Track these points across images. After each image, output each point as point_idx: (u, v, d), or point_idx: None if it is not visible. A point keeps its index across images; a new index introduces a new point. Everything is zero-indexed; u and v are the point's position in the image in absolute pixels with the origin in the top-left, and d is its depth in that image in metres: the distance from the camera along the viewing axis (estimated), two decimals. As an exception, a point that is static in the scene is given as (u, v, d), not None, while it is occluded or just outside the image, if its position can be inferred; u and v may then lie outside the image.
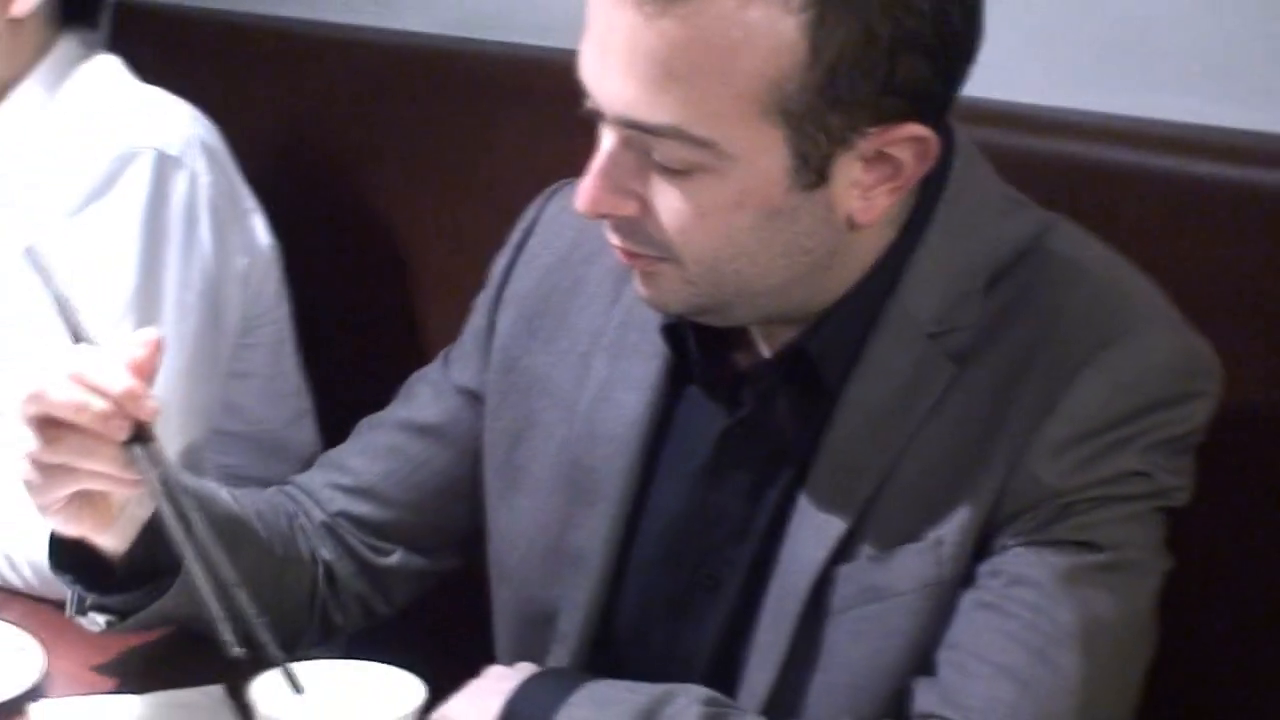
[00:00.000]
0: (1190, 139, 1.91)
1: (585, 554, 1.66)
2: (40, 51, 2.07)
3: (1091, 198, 1.86)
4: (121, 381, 1.45)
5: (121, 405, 1.45)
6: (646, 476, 1.64)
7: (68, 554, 1.61)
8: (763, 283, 1.49)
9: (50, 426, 1.46)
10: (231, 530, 1.66)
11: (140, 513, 1.58)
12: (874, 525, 1.51)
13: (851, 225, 1.48)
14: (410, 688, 1.55)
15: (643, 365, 1.64)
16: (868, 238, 1.52)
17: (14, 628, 1.76)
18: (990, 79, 1.56)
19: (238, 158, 2.16)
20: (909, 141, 1.44)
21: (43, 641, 1.74)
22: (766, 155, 1.41)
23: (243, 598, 1.44)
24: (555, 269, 1.74)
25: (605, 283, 1.70)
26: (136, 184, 1.98)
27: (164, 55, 2.41)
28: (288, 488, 1.84)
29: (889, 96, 1.41)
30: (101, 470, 1.48)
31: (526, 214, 1.80)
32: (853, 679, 1.52)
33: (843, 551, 1.52)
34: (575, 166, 1.51)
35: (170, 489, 1.48)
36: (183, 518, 1.47)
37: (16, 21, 2.02)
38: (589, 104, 1.46)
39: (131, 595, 1.62)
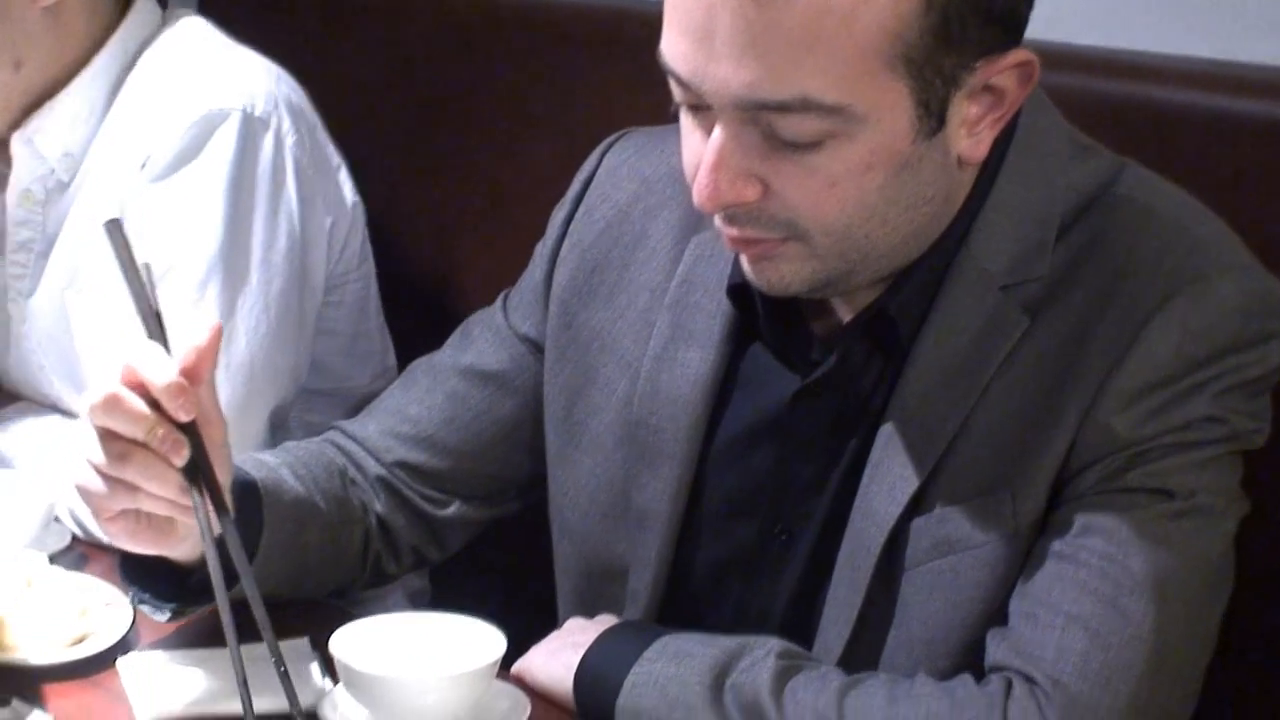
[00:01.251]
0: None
1: (651, 513, 1.66)
2: (101, 33, 2.05)
3: (1175, 144, 1.84)
4: (167, 376, 1.43)
5: (163, 402, 1.44)
6: (710, 435, 1.64)
7: (136, 559, 1.61)
8: (887, 242, 1.49)
9: (117, 441, 1.45)
10: (296, 514, 1.68)
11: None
12: (947, 479, 1.51)
13: (961, 165, 1.48)
14: (490, 639, 1.57)
15: (706, 323, 1.64)
16: (962, 184, 1.52)
17: (102, 582, 1.79)
18: (1071, 23, 1.55)
19: (327, 113, 2.16)
20: (1013, 69, 1.44)
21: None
22: (893, 110, 1.41)
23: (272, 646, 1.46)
24: (615, 223, 1.74)
25: (668, 239, 1.69)
26: (222, 146, 1.99)
27: (258, 13, 2.42)
28: (337, 437, 1.82)
29: (991, 27, 1.41)
30: (160, 494, 1.47)
31: (585, 166, 1.80)
32: (927, 632, 1.52)
33: (916, 506, 1.52)
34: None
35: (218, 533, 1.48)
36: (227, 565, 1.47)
37: (51, 10, 2.00)
38: (683, 99, 1.45)
39: (202, 600, 1.63)
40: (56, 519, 1.96)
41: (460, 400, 1.78)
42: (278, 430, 2.03)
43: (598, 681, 1.55)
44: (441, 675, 1.53)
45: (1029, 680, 1.42)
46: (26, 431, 2.08)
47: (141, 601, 1.67)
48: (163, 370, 1.44)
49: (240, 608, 1.47)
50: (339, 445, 1.82)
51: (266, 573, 1.57)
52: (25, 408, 2.13)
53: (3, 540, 1.84)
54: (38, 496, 1.92)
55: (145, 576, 1.63)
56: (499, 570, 2.10)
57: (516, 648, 1.62)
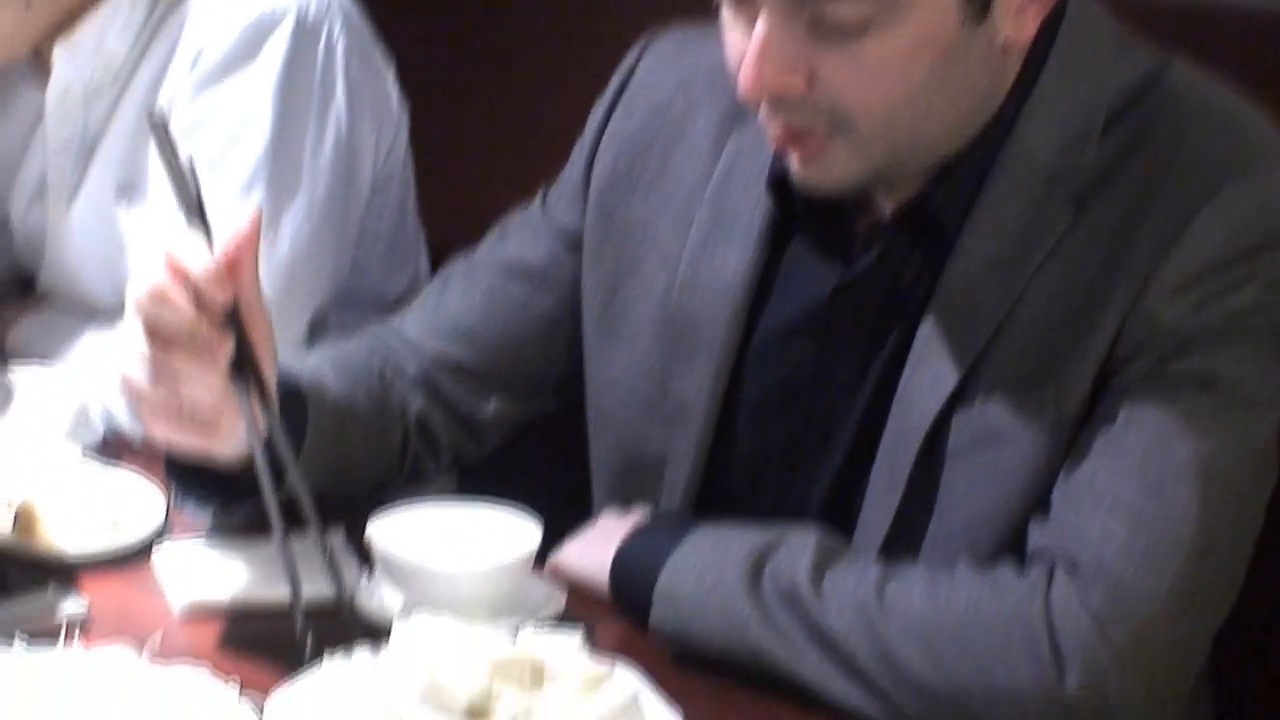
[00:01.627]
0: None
1: (688, 406, 1.65)
2: None
3: (1217, 43, 1.82)
4: (207, 264, 1.42)
5: (202, 289, 1.42)
6: (751, 328, 1.63)
7: (181, 463, 1.61)
8: (932, 132, 1.49)
9: (161, 334, 1.43)
10: (338, 416, 1.67)
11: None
12: (989, 370, 1.50)
13: (1006, 52, 1.47)
14: (526, 530, 1.57)
15: (746, 217, 1.63)
16: (1007, 73, 1.50)
17: (138, 474, 1.79)
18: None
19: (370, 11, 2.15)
20: None
21: (166, 489, 1.77)
22: None
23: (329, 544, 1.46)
24: (655, 118, 1.72)
25: (708, 134, 1.68)
26: (275, 49, 1.97)
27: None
28: (375, 336, 1.81)
29: None
30: (205, 387, 1.45)
31: (624, 63, 1.78)
32: (969, 522, 1.51)
33: (958, 398, 1.51)
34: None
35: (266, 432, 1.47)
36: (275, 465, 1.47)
37: None
38: None
39: (245, 502, 1.62)
40: (91, 412, 1.96)
41: (499, 295, 1.77)
42: (316, 333, 2.02)
43: (634, 572, 1.55)
44: (479, 566, 1.53)
45: (1072, 564, 1.41)
46: (59, 329, 2.07)
47: (184, 502, 1.67)
48: (202, 259, 1.43)
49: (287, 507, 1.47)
50: (377, 344, 1.81)
51: (309, 472, 1.56)
52: (60, 307, 2.12)
53: (36, 433, 1.84)
54: (70, 392, 1.92)
55: (189, 478, 1.62)
56: (531, 467, 2.09)
57: (550, 544, 1.62)
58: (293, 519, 1.47)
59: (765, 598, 1.47)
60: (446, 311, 1.80)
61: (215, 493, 1.63)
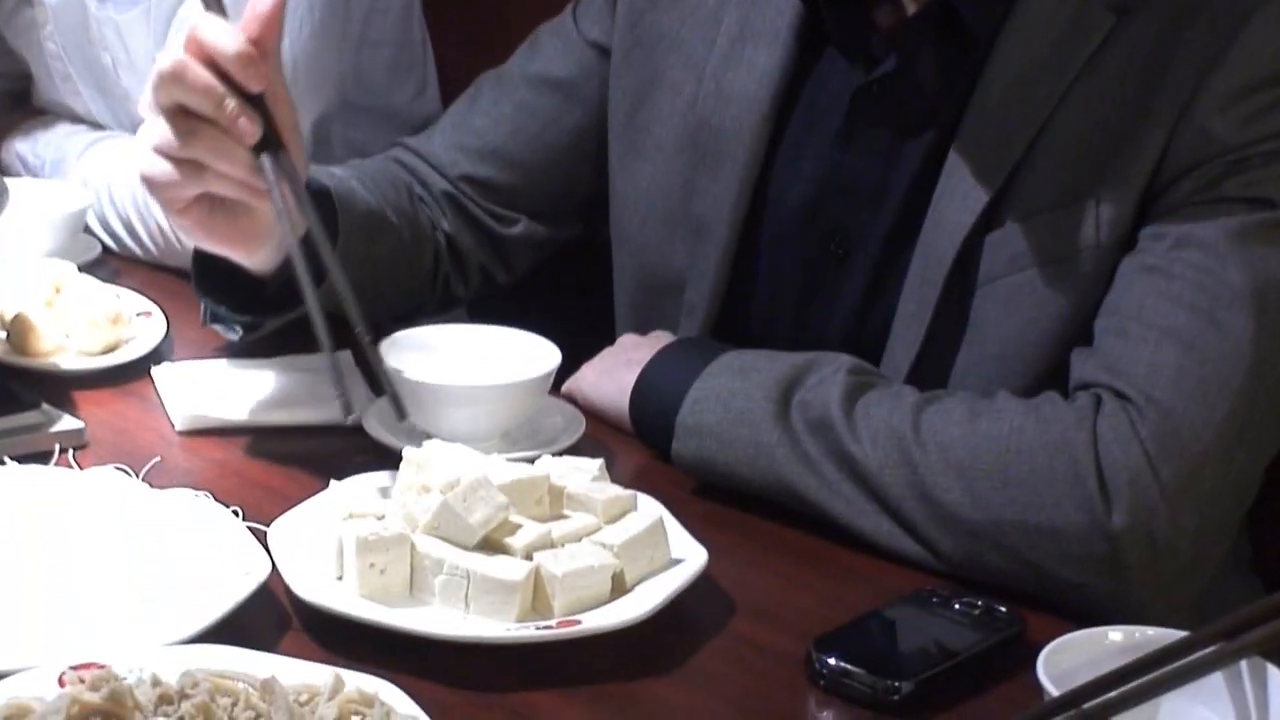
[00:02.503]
0: None
1: (710, 221, 1.58)
2: None
3: None
4: (237, 43, 1.34)
5: (233, 71, 1.34)
6: (776, 140, 1.56)
7: (213, 271, 1.53)
8: None
9: (184, 118, 1.36)
10: (368, 225, 1.60)
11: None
12: (1026, 188, 1.43)
13: None
14: (544, 352, 1.50)
15: (774, 21, 1.55)
16: None
17: (137, 294, 1.71)
18: None
19: None
20: None
21: (165, 309, 1.70)
22: None
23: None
24: None
25: None
26: None
27: None
28: (402, 154, 1.74)
29: None
30: (231, 174, 1.38)
31: None
32: (1001, 350, 1.44)
33: (991, 217, 1.44)
34: None
35: (301, 202, 1.38)
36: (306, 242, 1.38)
37: None
38: None
39: (276, 316, 1.56)
40: (87, 229, 1.89)
41: (527, 110, 1.70)
42: (320, 145, 1.93)
43: (656, 398, 1.47)
44: (494, 384, 1.46)
45: (1120, 396, 1.34)
46: (55, 141, 1.99)
47: (214, 320, 1.59)
48: (231, 38, 1.34)
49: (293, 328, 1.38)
50: (404, 162, 1.74)
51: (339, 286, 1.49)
52: (54, 119, 2.03)
53: (30, 246, 1.76)
54: (66, 204, 1.84)
55: (219, 290, 1.54)
56: (552, 303, 2.02)
57: (566, 370, 1.54)
58: (302, 342, 1.40)
59: (794, 427, 1.40)
60: (474, 128, 1.72)
61: (245, 306, 1.55)
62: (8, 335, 1.59)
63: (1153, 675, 1.05)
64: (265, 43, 1.35)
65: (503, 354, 1.51)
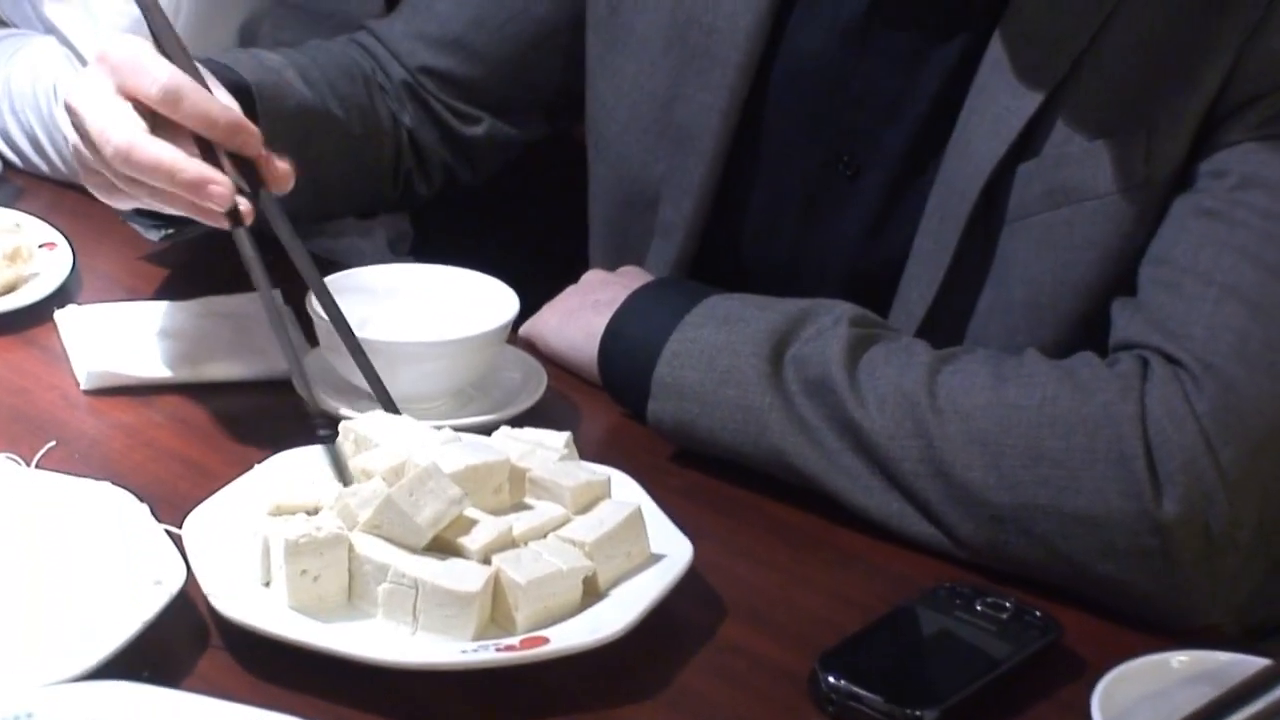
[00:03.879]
0: None
1: (696, 129, 1.41)
2: None
3: None
4: (224, 115, 1.18)
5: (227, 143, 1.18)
6: (776, 41, 1.38)
7: None
8: None
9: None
10: (304, 125, 1.42)
11: None
12: (1067, 112, 1.25)
13: None
14: (502, 298, 1.31)
15: None
16: None
17: (39, 221, 1.52)
18: None
19: None
20: None
21: (72, 239, 1.50)
22: None
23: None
24: None
25: None
26: None
27: None
28: (363, 37, 1.56)
29: None
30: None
31: None
32: (1032, 296, 1.27)
33: (1026, 144, 1.26)
34: None
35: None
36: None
37: None
38: None
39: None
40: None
41: (492, 1, 1.52)
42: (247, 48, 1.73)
43: (629, 350, 1.29)
44: (440, 340, 1.27)
45: (1171, 361, 1.16)
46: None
47: (132, 219, 1.40)
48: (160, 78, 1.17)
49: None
50: (365, 46, 1.56)
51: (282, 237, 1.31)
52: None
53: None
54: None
55: None
56: (495, 211, 1.83)
57: (524, 311, 1.36)
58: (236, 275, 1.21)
59: (788, 388, 1.22)
60: (434, 12, 1.54)
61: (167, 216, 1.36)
62: (-112, 277, 1.40)
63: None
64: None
65: (453, 300, 1.33)
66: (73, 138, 1.21)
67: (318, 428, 1.15)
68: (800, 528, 1.21)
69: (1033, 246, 1.27)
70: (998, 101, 1.26)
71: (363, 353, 1.21)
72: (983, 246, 1.28)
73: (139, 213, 1.36)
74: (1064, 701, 1.03)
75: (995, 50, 1.26)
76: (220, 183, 1.16)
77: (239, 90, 1.32)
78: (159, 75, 1.17)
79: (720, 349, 1.24)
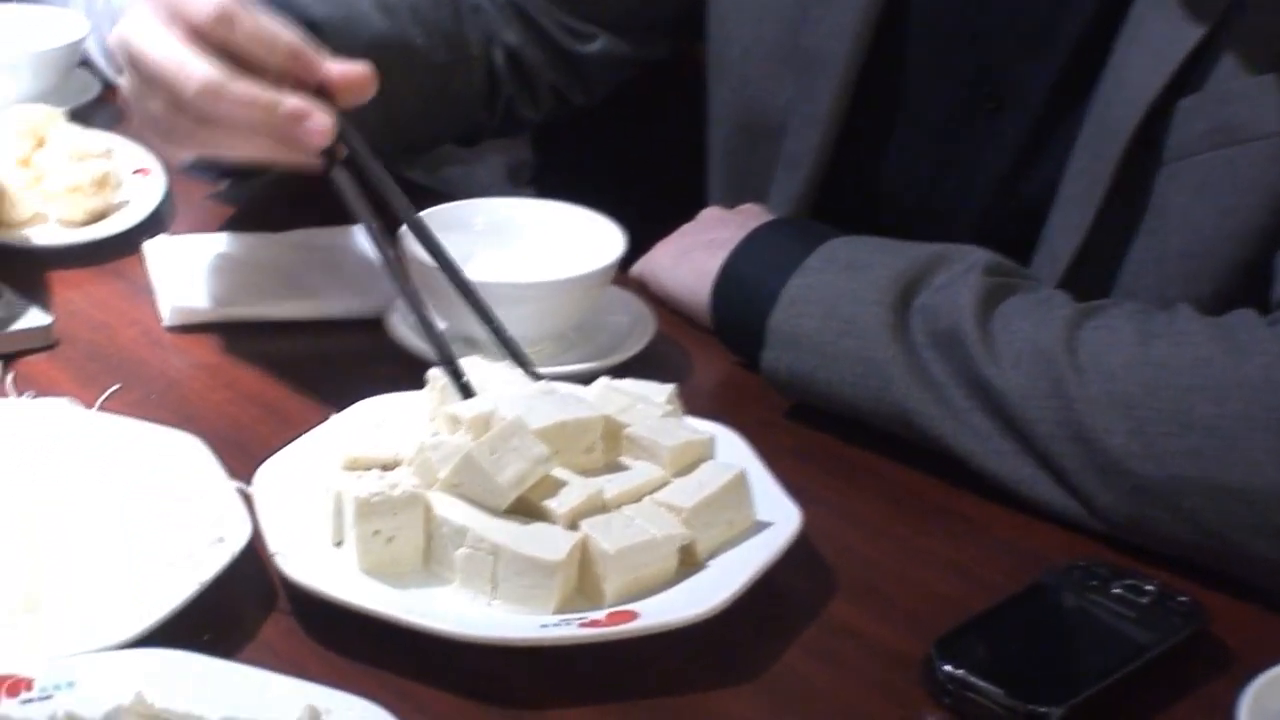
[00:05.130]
0: None
1: (824, 53, 1.31)
2: None
3: None
4: (283, 35, 1.10)
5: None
6: None
7: None
8: None
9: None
10: (379, 59, 1.31)
11: None
12: (1235, 42, 1.14)
13: None
14: (609, 237, 1.22)
15: None
16: None
17: (135, 144, 1.45)
18: None
19: None
20: None
21: (169, 164, 1.43)
22: None
23: None
24: None
25: None
26: None
27: None
28: None
29: None
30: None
31: None
32: (1189, 244, 1.16)
33: (1188, 78, 1.15)
34: None
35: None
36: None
37: None
38: None
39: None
40: (85, 63, 1.62)
41: None
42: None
43: (744, 294, 1.20)
44: (539, 280, 1.19)
45: None
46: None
47: (197, 166, 1.35)
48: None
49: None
50: None
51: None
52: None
53: (7, 87, 1.50)
54: (60, 30, 1.57)
55: None
56: (615, 139, 1.74)
57: (636, 249, 1.27)
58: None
59: (914, 339, 1.11)
60: None
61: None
62: (-29, 202, 1.33)
63: None
64: None
65: (556, 238, 1.24)
66: (127, 83, 1.13)
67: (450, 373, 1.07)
68: (921, 494, 1.11)
69: (1192, 189, 1.16)
70: (1155, 30, 1.15)
71: (472, 290, 1.13)
72: (1136, 189, 1.17)
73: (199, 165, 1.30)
74: (1208, 701, 0.93)
75: None
76: (320, 118, 1.08)
77: (310, 28, 1.23)
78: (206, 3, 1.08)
79: (841, 296, 1.14)
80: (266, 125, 1.08)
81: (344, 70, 1.12)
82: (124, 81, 1.14)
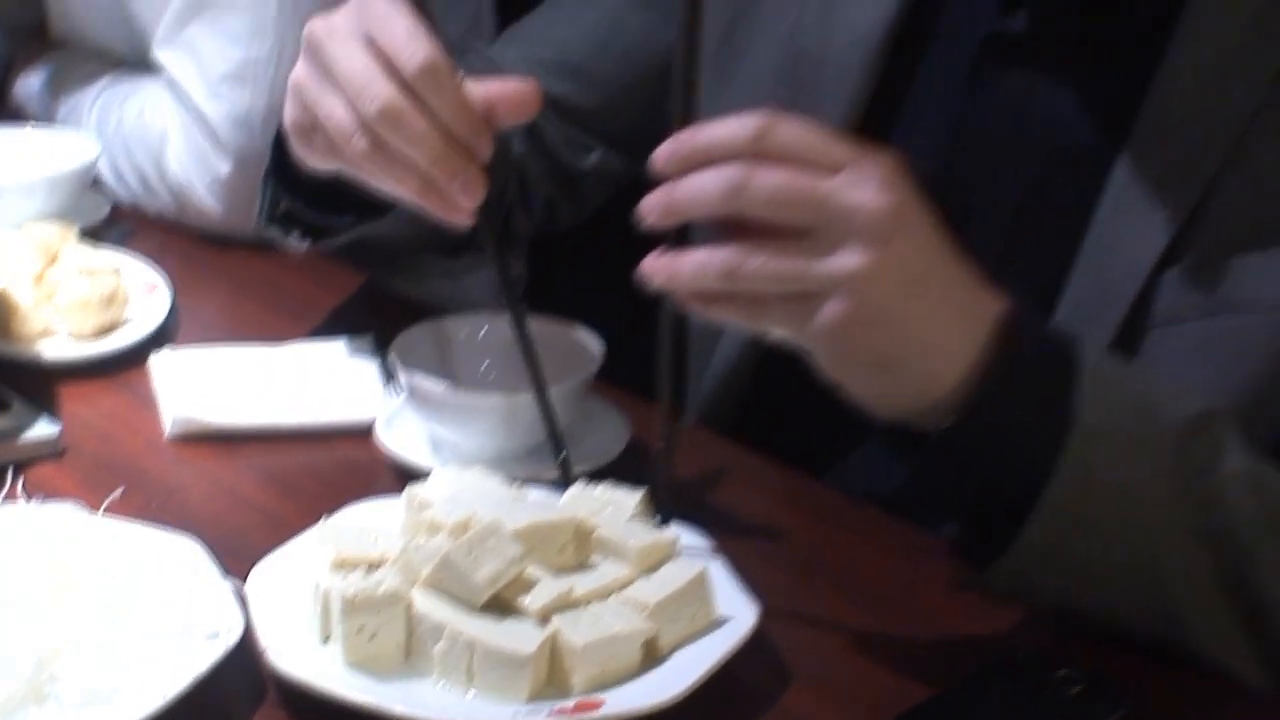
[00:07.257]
0: None
1: None
2: None
3: None
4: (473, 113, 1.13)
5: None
6: (892, 85, 1.31)
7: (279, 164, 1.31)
8: None
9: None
10: None
11: None
12: (1221, 212, 1.16)
13: None
14: (584, 348, 1.30)
15: None
16: None
17: (144, 262, 1.53)
18: None
19: None
20: None
21: (175, 280, 1.51)
22: None
23: None
24: None
25: None
26: None
27: None
28: (474, 60, 1.50)
29: None
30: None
31: None
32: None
33: (1176, 251, 1.17)
34: None
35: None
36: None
37: None
38: None
39: (354, 223, 1.34)
40: (96, 183, 1.70)
41: (615, 26, 1.48)
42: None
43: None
44: (513, 395, 1.25)
45: None
46: (70, 81, 1.79)
47: (274, 219, 1.35)
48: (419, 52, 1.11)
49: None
50: (475, 71, 1.51)
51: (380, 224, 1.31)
52: (72, 55, 1.83)
53: (23, 207, 1.58)
54: (70, 157, 1.65)
55: (292, 188, 1.32)
56: (604, 254, 1.81)
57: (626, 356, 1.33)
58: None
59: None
60: (554, 39, 1.51)
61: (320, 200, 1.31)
62: (-15, 318, 1.41)
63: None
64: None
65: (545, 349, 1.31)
66: (300, 72, 1.15)
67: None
68: (875, 587, 1.18)
69: (1188, 353, 1.17)
70: (1139, 213, 1.17)
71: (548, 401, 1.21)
72: (1131, 351, 1.19)
73: (276, 217, 1.34)
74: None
75: (1135, 139, 1.18)
76: (474, 179, 1.13)
77: None
78: (419, 49, 1.10)
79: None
80: (425, 168, 1.11)
81: (503, 87, 1.15)
82: (297, 69, 1.16)
